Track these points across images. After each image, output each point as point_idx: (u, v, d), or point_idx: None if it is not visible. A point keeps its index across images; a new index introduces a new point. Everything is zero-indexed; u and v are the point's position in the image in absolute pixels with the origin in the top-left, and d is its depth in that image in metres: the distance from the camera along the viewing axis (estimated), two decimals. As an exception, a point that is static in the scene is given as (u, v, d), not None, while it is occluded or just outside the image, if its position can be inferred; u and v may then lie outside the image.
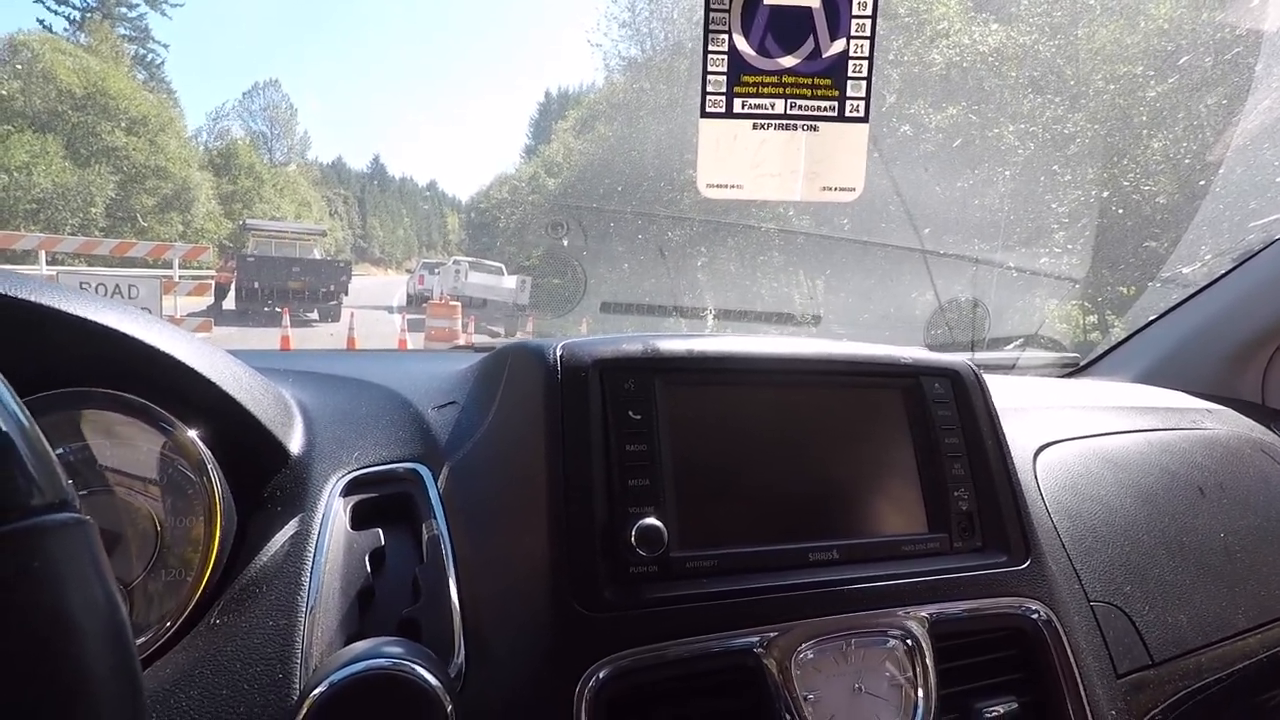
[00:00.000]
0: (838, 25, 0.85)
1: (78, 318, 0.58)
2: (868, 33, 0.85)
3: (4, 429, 0.30)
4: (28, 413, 0.32)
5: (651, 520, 0.62)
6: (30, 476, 0.30)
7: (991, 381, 0.88)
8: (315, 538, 0.67)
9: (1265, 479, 1.20)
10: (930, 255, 2.30)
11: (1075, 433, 1.13)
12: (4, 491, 0.29)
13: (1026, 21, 9.10)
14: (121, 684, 0.31)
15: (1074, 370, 1.82)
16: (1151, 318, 1.76)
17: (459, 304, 11.22)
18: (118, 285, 6.76)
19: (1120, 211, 6.78)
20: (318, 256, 17.75)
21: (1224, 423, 1.33)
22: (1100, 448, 1.11)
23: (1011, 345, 2.20)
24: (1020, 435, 1.04)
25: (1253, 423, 1.38)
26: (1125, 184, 7.05)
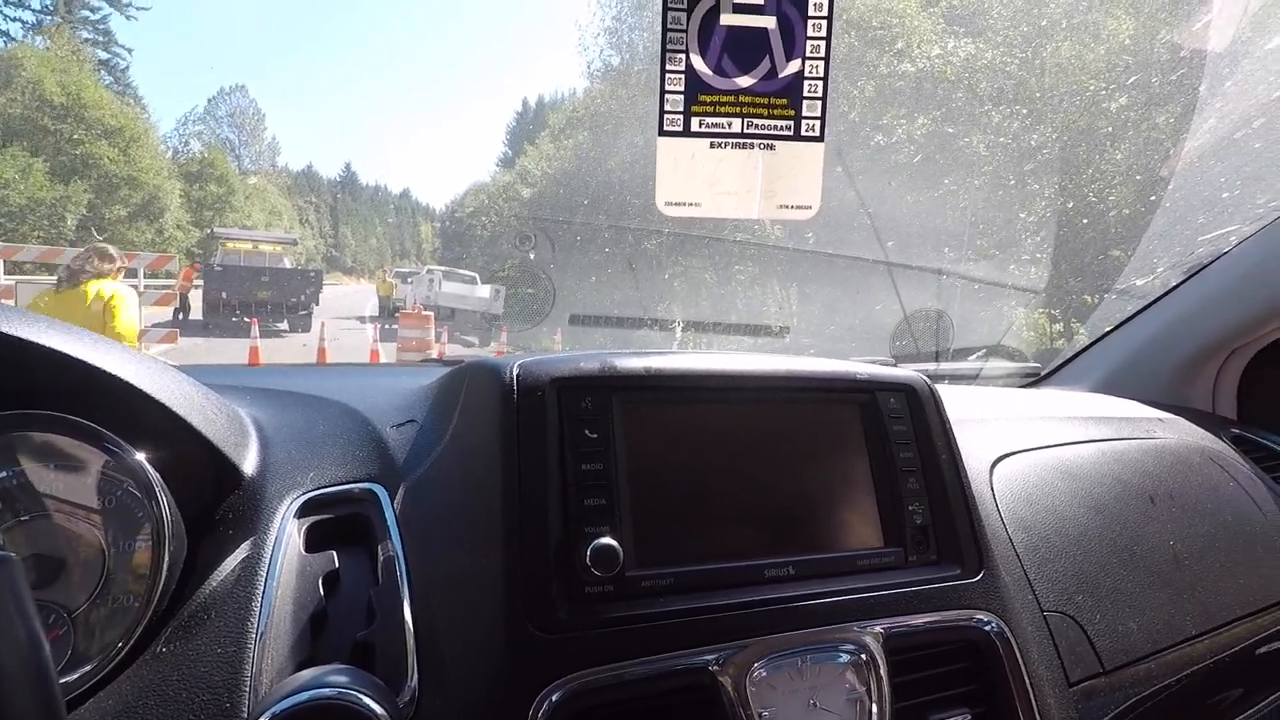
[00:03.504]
0: (793, 46, 0.86)
1: (15, 338, 0.57)
2: (823, 53, 0.87)
3: None
4: None
5: (607, 540, 0.62)
6: None
7: (953, 392, 0.90)
8: (267, 561, 0.65)
9: (1214, 487, 1.24)
10: (895, 267, 2.34)
11: (1032, 443, 1.15)
12: None
13: (992, 36, 9.31)
14: None
15: (1035, 380, 1.86)
16: (1108, 328, 1.81)
17: (432, 314, 11.13)
18: (79, 296, 6.59)
19: (1083, 223, 6.95)
20: (288, 266, 17.53)
21: (1175, 431, 1.37)
22: (1055, 458, 1.13)
23: (975, 356, 2.24)
24: (979, 446, 1.06)
25: (1204, 431, 1.41)
26: (1087, 195, 7.23)
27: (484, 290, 16.06)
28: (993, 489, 1.01)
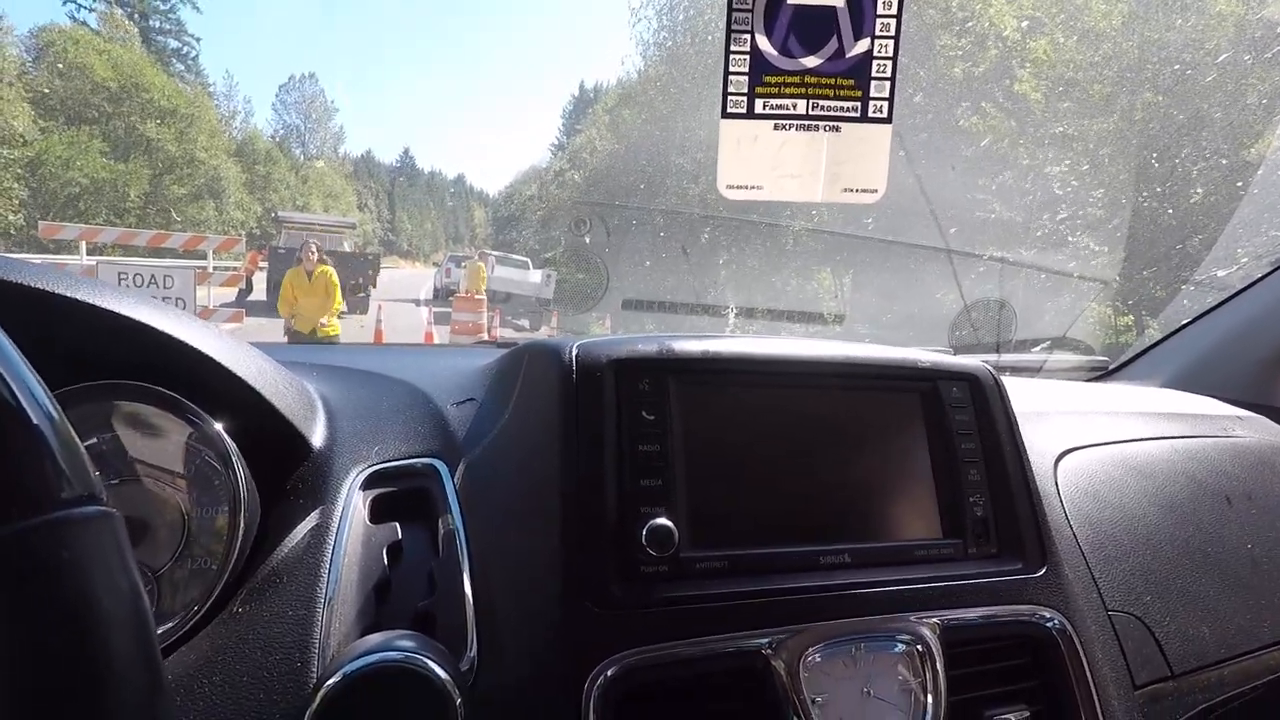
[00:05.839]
0: (862, 25, 0.84)
1: (109, 312, 0.60)
2: (892, 32, 0.85)
3: (36, 424, 0.31)
4: (59, 407, 0.33)
5: (663, 520, 0.63)
6: (60, 470, 0.31)
7: (1016, 385, 0.87)
8: (335, 530, 0.68)
9: (1297, 489, 1.18)
10: (956, 255, 2.27)
11: (1099, 439, 1.11)
12: (36, 485, 0.30)
13: (1069, 15, 8.88)
14: (144, 670, 0.32)
15: (1102, 374, 1.79)
16: (1184, 321, 1.73)
17: (484, 298, 11.31)
18: (153, 275, 6.93)
19: (1155, 212, 6.62)
20: (347, 249, 18.04)
21: (1255, 431, 1.30)
22: (1125, 454, 1.09)
23: (1039, 347, 2.16)
24: (1042, 440, 1.03)
25: (1286, 431, 1.34)
26: (1166, 182, 6.87)
27: (535, 275, 16.24)
28: (1057, 484, 0.98)
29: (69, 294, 0.58)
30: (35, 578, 0.29)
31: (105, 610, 0.31)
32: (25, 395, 0.32)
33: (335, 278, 7.36)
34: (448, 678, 0.51)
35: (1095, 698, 0.74)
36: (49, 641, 0.29)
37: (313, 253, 7.21)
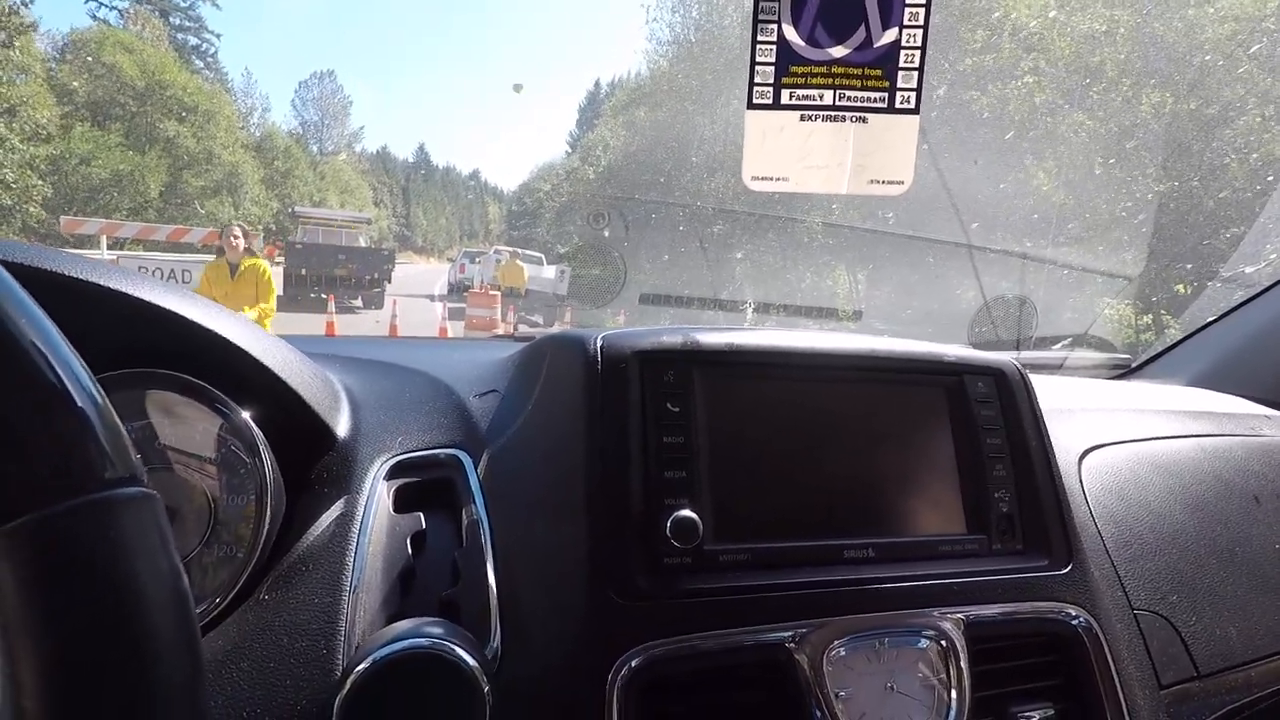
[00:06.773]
0: (890, 14, 0.83)
1: (142, 301, 0.61)
2: (921, 22, 0.84)
3: (82, 406, 0.32)
4: (101, 391, 0.34)
5: (686, 512, 0.63)
6: (105, 452, 0.32)
7: (1037, 381, 0.86)
8: (360, 519, 0.69)
9: (1327, 489, 1.15)
10: (976, 250, 2.25)
11: (1124, 436, 1.09)
12: (83, 465, 0.31)
13: (1096, 6, 8.74)
14: (184, 650, 0.32)
15: (1125, 372, 1.77)
16: (1210, 318, 1.70)
17: (499, 293, 11.37)
18: (173, 270, 7.03)
19: (1180, 208, 6.51)
20: (363, 244, 18.17)
21: (1284, 430, 1.28)
22: (1149, 452, 1.08)
23: (1060, 344, 2.14)
24: (1065, 437, 1.02)
25: (1316, 431, 1.32)
26: (1192, 177, 6.75)
27: (550, 270, 16.30)
28: (1082, 481, 0.97)
29: (103, 282, 0.59)
30: (80, 556, 0.30)
31: (148, 590, 0.31)
32: (70, 378, 0.32)
33: (269, 273, 5.64)
34: (476, 665, 0.51)
35: (1121, 696, 0.73)
36: (93, 620, 0.30)
37: (237, 238, 5.54)
